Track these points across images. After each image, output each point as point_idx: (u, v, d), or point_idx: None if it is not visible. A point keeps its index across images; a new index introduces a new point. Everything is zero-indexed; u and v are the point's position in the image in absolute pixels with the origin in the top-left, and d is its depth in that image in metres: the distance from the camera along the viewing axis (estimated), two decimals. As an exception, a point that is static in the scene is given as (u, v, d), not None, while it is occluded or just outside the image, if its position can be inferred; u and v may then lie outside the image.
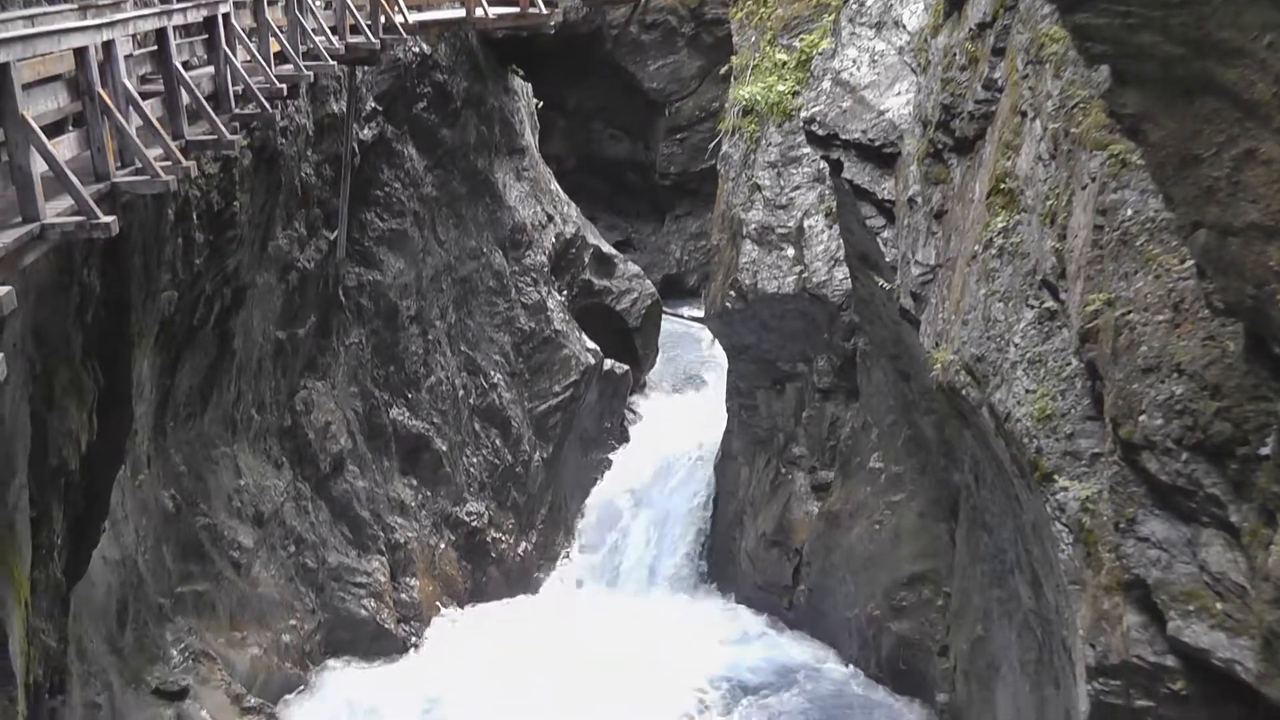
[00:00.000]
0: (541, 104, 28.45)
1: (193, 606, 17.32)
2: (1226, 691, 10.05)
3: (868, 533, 20.14)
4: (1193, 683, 10.32)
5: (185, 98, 12.01)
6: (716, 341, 25.45)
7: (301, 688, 19.26)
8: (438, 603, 21.73)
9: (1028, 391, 12.25)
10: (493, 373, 23.58)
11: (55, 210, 9.57)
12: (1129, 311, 10.59)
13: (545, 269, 25.19)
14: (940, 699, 18.78)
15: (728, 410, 23.64)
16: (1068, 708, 12.79)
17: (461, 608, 22.14)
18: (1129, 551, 10.53)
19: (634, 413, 27.36)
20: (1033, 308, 12.66)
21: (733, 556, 23.25)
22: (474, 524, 22.60)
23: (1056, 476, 11.60)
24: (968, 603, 17.66)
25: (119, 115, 10.46)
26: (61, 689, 13.36)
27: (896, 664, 19.58)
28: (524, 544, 23.45)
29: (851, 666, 20.49)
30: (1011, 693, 15.84)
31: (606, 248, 28.28)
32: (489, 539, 22.79)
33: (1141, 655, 10.54)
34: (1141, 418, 10.17)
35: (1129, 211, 10.92)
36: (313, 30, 16.18)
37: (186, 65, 12.66)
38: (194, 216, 15.49)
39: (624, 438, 26.50)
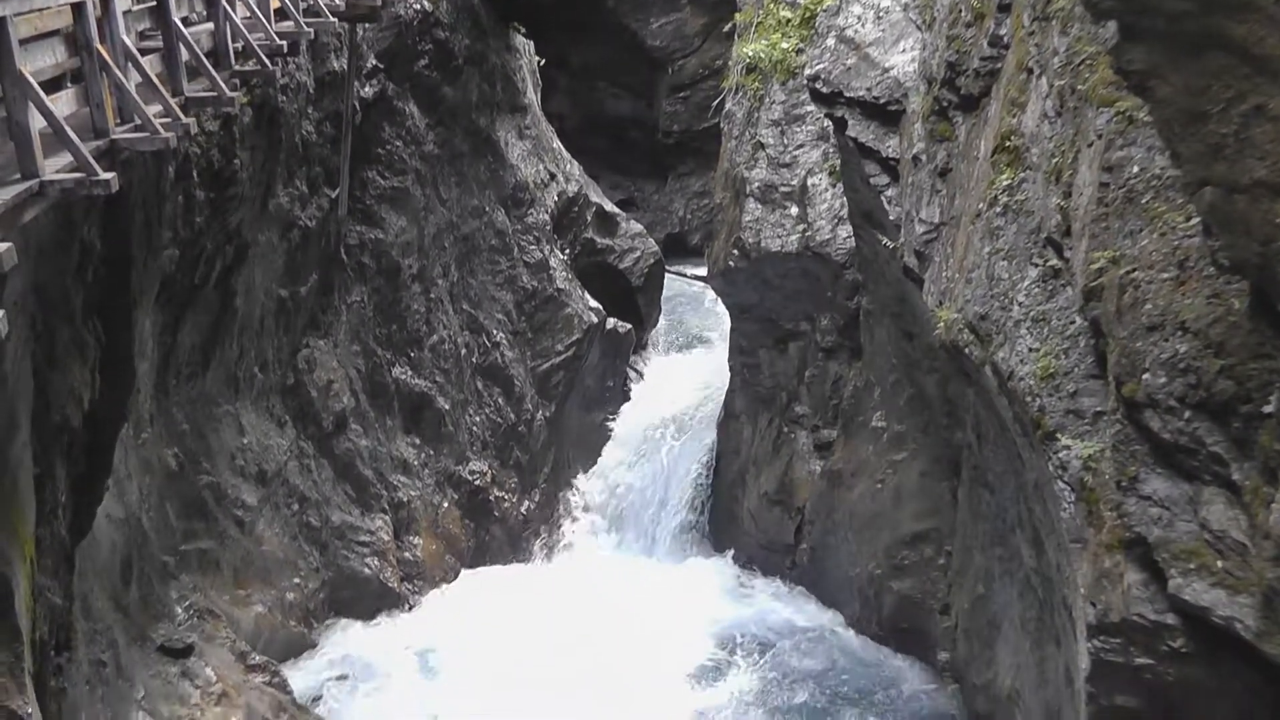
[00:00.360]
0: (543, 62, 28.27)
1: (197, 564, 17.39)
2: (1226, 649, 10.11)
3: (870, 492, 20.17)
4: (1192, 640, 10.37)
5: (184, 54, 11.92)
6: (719, 300, 25.40)
7: (306, 645, 19.36)
8: (441, 561, 21.80)
9: (1031, 350, 12.23)
10: (495, 331, 23.56)
11: (54, 167, 9.54)
12: (1134, 269, 10.56)
13: (547, 227, 25.10)
14: (941, 657, 18.89)
15: (730, 369, 23.63)
16: (1068, 665, 12.86)
17: (464, 566, 22.22)
18: (1130, 510, 10.55)
19: (636, 372, 27.36)
20: (1037, 266, 12.62)
21: (735, 516, 23.30)
22: (477, 483, 22.65)
23: (1059, 435, 11.60)
24: (969, 561, 17.72)
25: (118, 71, 10.40)
26: (67, 646, 13.43)
27: (898, 623, 19.67)
28: (527, 503, 23.51)
29: (853, 625, 20.57)
30: (1012, 651, 15.92)
31: (609, 206, 28.19)
32: (492, 498, 22.84)
33: (1142, 613, 10.58)
34: (1145, 376, 10.16)
35: (1135, 169, 10.86)
36: (313, -14, 16.05)
37: (186, 21, 12.56)
38: (194, 174, 15.43)
39: (626, 397, 26.51)
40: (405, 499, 21.40)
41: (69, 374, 12.84)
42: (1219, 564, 9.76)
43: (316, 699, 17.92)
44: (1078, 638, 11.75)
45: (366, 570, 20.45)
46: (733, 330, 23.66)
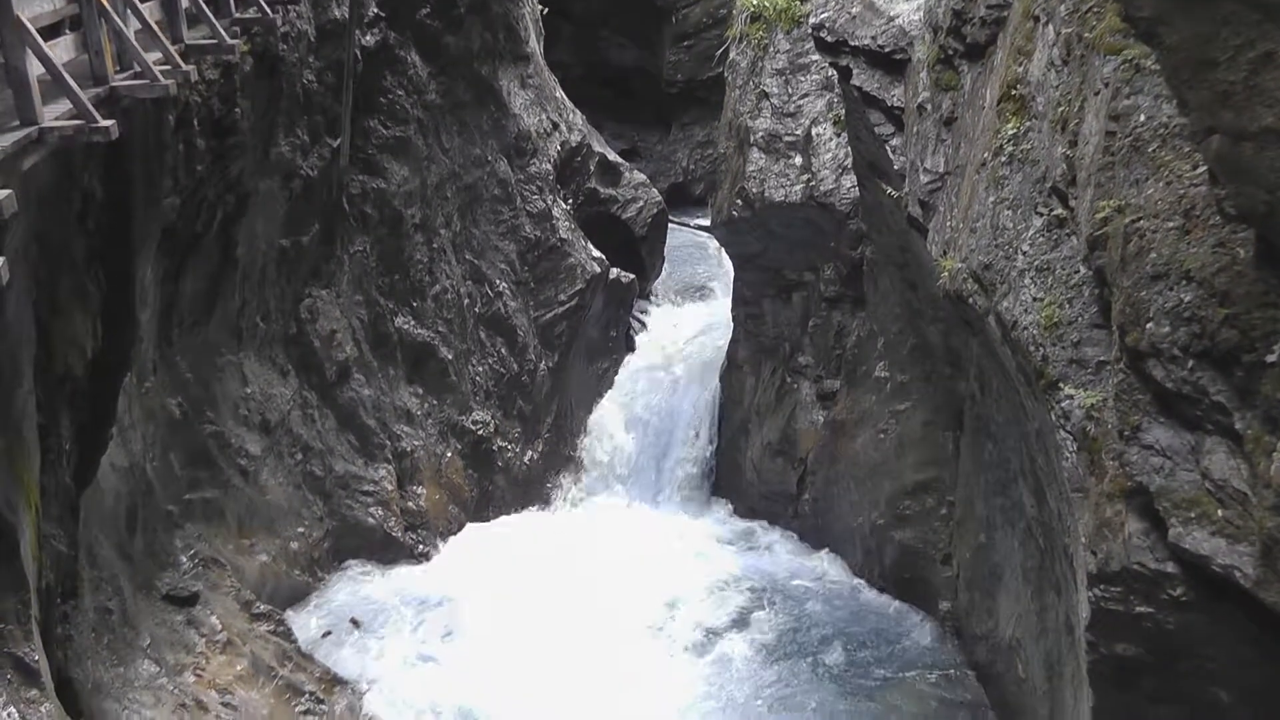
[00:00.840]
0: (546, 10, 28.01)
1: (201, 513, 17.47)
2: (1225, 598, 10.14)
3: (872, 442, 20.22)
4: (1192, 589, 10.40)
5: (184, 1, 11.83)
6: (723, 250, 25.35)
7: (310, 594, 19.48)
8: (444, 511, 21.89)
9: (1035, 299, 12.19)
10: (498, 281, 23.52)
11: (54, 114, 9.51)
12: (1139, 218, 10.49)
13: (550, 177, 24.98)
14: (943, 607, 19.00)
15: (734, 319, 23.62)
16: (1069, 614, 12.93)
17: (468, 516, 22.31)
18: (1132, 459, 10.55)
19: (640, 322, 27.32)
20: (1042, 215, 12.55)
21: (738, 466, 23.37)
22: (480, 433, 22.69)
23: (1062, 384, 11.59)
24: (971, 511, 17.79)
25: (116, 18, 10.33)
26: (73, 594, 13.53)
27: (899, 572, 19.77)
28: (530, 453, 23.56)
29: (855, 575, 20.69)
30: (1013, 600, 16.02)
31: (612, 156, 28.03)
32: (495, 448, 22.90)
33: (1142, 562, 10.61)
34: (1149, 325, 10.13)
35: (1142, 117, 10.77)
36: (313, -69, 15.90)
37: (185, -33, 12.46)
38: (195, 123, 15.33)
39: (630, 347, 26.49)
40: (408, 449, 21.45)
41: (71, 323, 12.84)
42: (1219, 513, 9.77)
43: (320, 648, 18.02)
44: (1078, 586, 11.80)
45: (370, 520, 20.54)
46: (736, 280, 23.62)
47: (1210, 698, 10.81)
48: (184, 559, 16.63)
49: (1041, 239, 12.45)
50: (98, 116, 9.50)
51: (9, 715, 11.24)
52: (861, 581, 20.49)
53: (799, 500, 22.15)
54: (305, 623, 18.68)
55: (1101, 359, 11.38)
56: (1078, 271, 11.86)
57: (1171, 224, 10.17)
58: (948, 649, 18.51)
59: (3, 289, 10.15)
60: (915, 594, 19.52)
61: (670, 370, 25.31)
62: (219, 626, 16.23)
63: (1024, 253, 12.56)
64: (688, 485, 23.70)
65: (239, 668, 15.97)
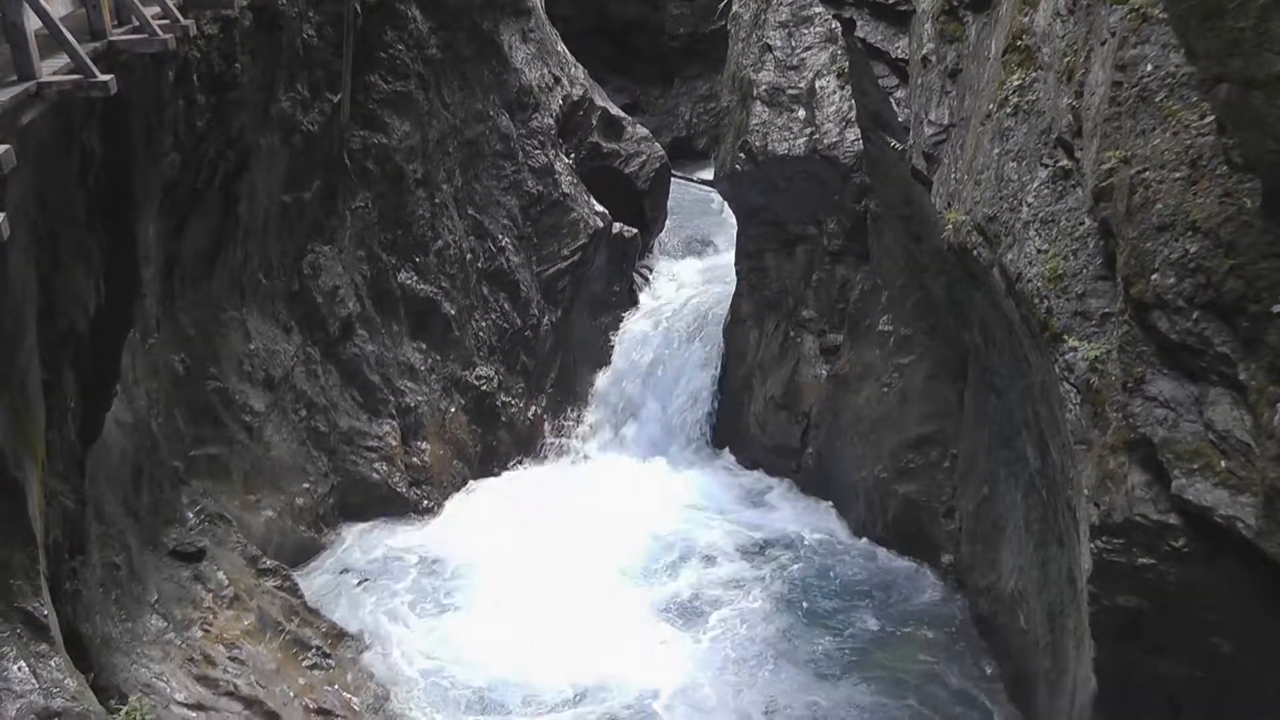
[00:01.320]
0: (548, -38, 27.77)
1: (207, 470, 17.52)
2: (1227, 549, 10.17)
3: (876, 395, 20.22)
4: (1194, 541, 10.44)
5: (181, -47, 11.73)
6: (726, 205, 25.25)
7: (316, 550, 19.56)
8: (449, 466, 21.94)
9: (1039, 251, 12.14)
10: (500, 236, 23.45)
11: (52, 69, 9.45)
12: (1145, 169, 10.43)
13: (553, 132, 24.85)
14: (945, 560, 19.07)
15: (737, 273, 23.56)
16: (1071, 567, 12.98)
17: (472, 471, 22.36)
18: (1136, 411, 10.55)
19: (643, 277, 27.26)
20: (1047, 167, 12.48)
21: (741, 420, 23.40)
22: (483, 388, 22.71)
23: (1066, 337, 11.57)
24: (974, 464, 17.81)
25: (113, -30, 10.24)
26: (81, 550, 13.58)
27: (902, 525, 19.83)
28: (534, 408, 23.59)
29: (858, 529, 20.75)
30: (1016, 553, 16.07)
31: (615, 110, 27.87)
32: (499, 403, 22.92)
33: (1145, 514, 10.64)
34: (1154, 276, 10.10)
35: (1149, 67, 10.68)
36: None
37: (181, -82, 12.35)
38: (195, 78, 15.23)
39: (633, 302, 26.45)
40: (412, 404, 21.48)
41: (74, 279, 12.82)
42: (1222, 464, 9.78)
43: (326, 602, 18.13)
44: (1081, 539, 11.84)
45: (375, 475, 20.60)
46: (739, 234, 23.55)
47: (1211, 648, 10.88)
48: (190, 515, 16.68)
49: (1046, 191, 12.39)
50: (96, 71, 9.45)
51: (19, 669, 11.32)
52: (864, 535, 20.54)
53: (802, 453, 22.19)
54: (311, 578, 18.78)
55: (1106, 311, 11.35)
56: (1083, 223, 11.81)
57: (1178, 174, 10.11)
58: (950, 602, 18.58)
59: (4, 245, 10.14)
60: (918, 547, 19.58)
61: (673, 324, 25.28)
62: (226, 582, 16.31)
63: (1029, 204, 12.51)
64: (691, 438, 23.74)
65: (246, 623, 16.06)
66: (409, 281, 21.69)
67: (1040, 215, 12.33)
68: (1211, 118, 9.56)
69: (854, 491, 20.92)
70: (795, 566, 19.83)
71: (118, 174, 13.49)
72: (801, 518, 21.47)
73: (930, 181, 15.64)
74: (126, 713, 12.44)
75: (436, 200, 22.17)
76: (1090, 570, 11.34)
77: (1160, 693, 11.48)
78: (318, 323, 20.02)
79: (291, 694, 15.54)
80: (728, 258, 24.88)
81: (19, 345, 11.59)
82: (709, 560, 20.00)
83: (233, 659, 15.35)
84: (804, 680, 16.90)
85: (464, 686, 16.81)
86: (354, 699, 16.14)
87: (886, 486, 19.92)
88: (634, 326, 25.73)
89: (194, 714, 13.92)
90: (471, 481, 22.26)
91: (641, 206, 27.67)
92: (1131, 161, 10.61)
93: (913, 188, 16.96)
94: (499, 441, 22.93)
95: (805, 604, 18.74)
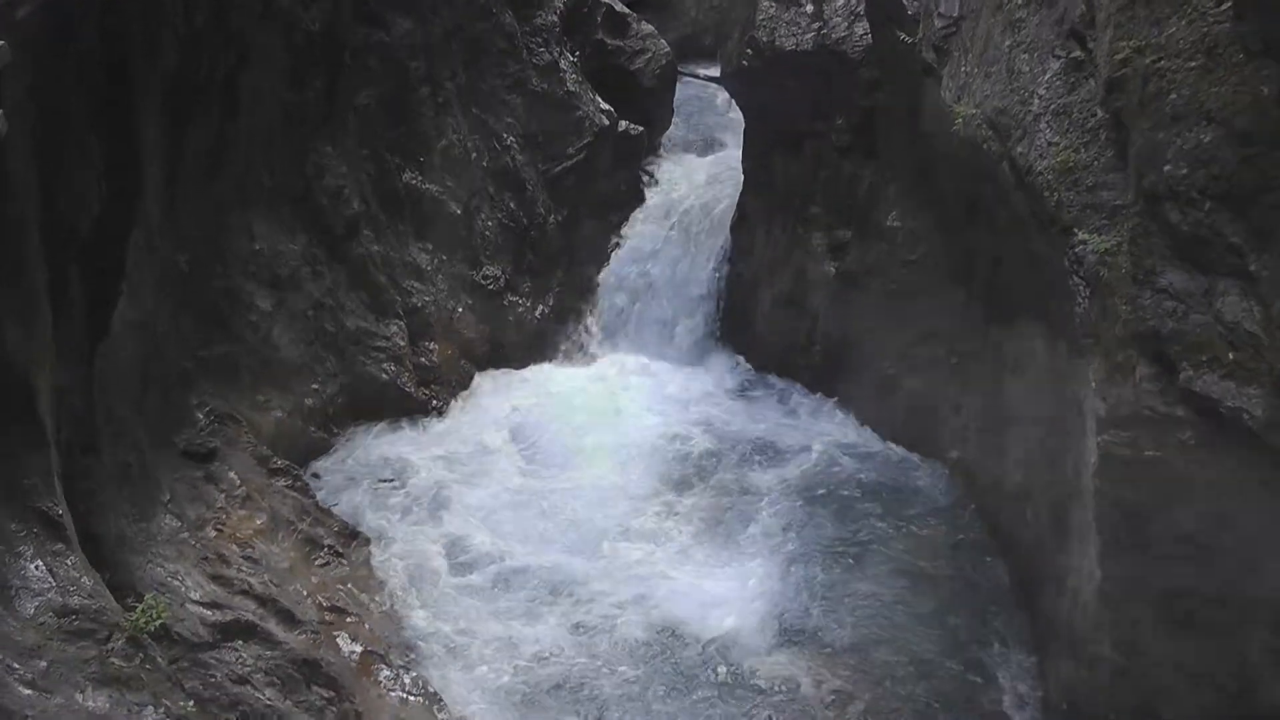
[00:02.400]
0: None
1: (215, 370, 17.57)
2: (1234, 442, 10.21)
3: (884, 291, 20.17)
4: (1201, 433, 10.47)
5: None
6: (732, 102, 24.93)
7: (326, 450, 19.69)
8: (457, 366, 21.98)
9: (1050, 144, 12.03)
10: (505, 135, 23.23)
11: (45, -39, 9.26)
12: (1159, 58, 10.28)
13: (556, 29, 24.48)
14: (952, 455, 19.16)
15: (744, 171, 23.36)
16: (1077, 460, 13.05)
17: (479, 370, 22.40)
18: (1145, 303, 10.53)
19: (649, 175, 27.01)
20: (1059, 58, 12.32)
21: (748, 317, 23.36)
22: (491, 287, 22.65)
23: (1076, 229, 11.51)
24: (981, 359, 17.82)
25: None
26: (93, 449, 13.69)
27: (911, 422, 19.90)
28: (541, 307, 23.55)
29: (866, 424, 20.83)
30: (1022, 448, 16.15)
31: (619, 7, 27.40)
32: (506, 302, 22.89)
33: (1152, 406, 10.67)
34: (1166, 167, 10.01)
35: (1164, -48, 10.47)
36: None
37: None
38: (192, -27, 15.01)
39: (639, 200, 26.24)
40: (419, 304, 21.45)
41: (75, 179, 12.75)
42: (1230, 355, 9.78)
43: (337, 501, 18.30)
44: (1087, 433, 11.89)
45: (384, 375, 20.65)
46: (746, 132, 23.31)
47: (1216, 542, 10.96)
48: (200, 416, 16.78)
49: (1059, 82, 12.24)
50: (91, -36, 9.27)
51: (37, 568, 11.48)
52: (872, 431, 20.64)
53: (810, 351, 22.19)
54: (322, 478, 18.93)
55: (1117, 203, 11.27)
56: (1095, 115, 11.68)
57: (1193, 63, 9.96)
58: (956, 498, 18.71)
59: (3, 145, 10.07)
60: (924, 443, 19.67)
61: (680, 223, 25.11)
62: (237, 482, 16.45)
63: (1040, 96, 12.36)
64: (698, 337, 23.71)
65: (259, 522, 16.22)
66: (414, 181, 21.54)
67: (1051, 107, 12.20)
68: (1227, 4, 9.39)
69: (862, 388, 20.96)
70: (800, 463, 19.93)
71: (116, 73, 13.34)
72: (807, 414, 21.54)
73: (940, 75, 15.44)
74: (142, 610, 12.62)
75: (440, 99, 21.93)
76: (1096, 464, 11.41)
77: (1164, 589, 11.60)
78: (322, 223, 19.91)
79: (305, 593, 15.74)
80: (734, 155, 24.63)
81: (23, 243, 11.58)
82: (713, 456, 20.11)
83: (246, 558, 15.52)
84: (808, 574, 17.10)
85: (479, 582, 17.01)
86: (366, 597, 16.36)
87: (894, 382, 19.96)
88: (641, 225, 25.56)
89: (209, 612, 14.10)
90: (479, 380, 22.28)
91: (647, 104, 27.33)
92: (1145, 51, 10.45)
93: (922, 82, 16.74)
94: (507, 340, 22.93)
95: (809, 500, 18.87)
